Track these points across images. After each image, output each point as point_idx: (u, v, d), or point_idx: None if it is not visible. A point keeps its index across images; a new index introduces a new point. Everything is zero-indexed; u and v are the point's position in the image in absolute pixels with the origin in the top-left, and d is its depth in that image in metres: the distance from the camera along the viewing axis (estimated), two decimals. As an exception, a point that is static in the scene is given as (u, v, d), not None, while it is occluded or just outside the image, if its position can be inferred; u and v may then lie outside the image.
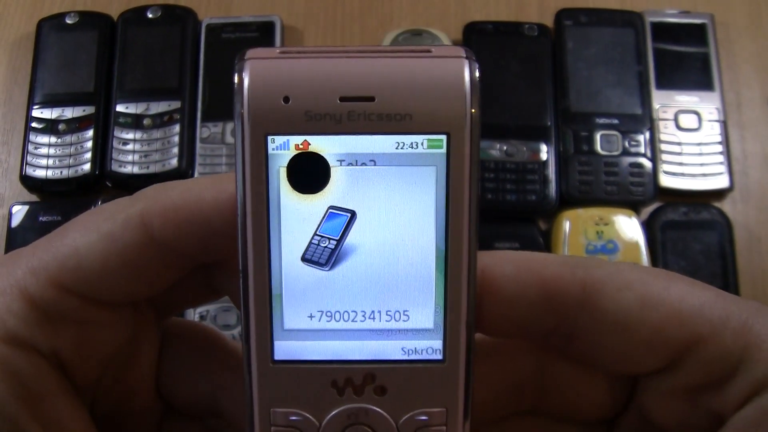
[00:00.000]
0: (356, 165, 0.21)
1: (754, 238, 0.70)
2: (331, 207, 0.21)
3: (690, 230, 0.67)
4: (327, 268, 0.21)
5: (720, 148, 0.70)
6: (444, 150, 0.20)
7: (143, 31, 0.74)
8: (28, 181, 0.70)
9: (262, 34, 0.74)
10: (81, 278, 0.22)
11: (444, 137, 0.20)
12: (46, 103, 0.71)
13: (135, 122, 0.71)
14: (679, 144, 0.70)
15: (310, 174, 0.21)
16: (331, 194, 0.21)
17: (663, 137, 0.70)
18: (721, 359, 0.21)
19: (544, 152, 0.69)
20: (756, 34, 0.76)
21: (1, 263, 0.23)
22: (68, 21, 0.74)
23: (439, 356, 0.21)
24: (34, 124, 0.71)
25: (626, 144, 0.70)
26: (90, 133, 0.70)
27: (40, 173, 0.69)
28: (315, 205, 0.21)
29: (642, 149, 0.70)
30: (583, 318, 0.22)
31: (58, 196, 0.70)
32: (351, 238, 0.21)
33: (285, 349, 0.21)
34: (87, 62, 0.73)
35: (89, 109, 0.71)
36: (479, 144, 0.21)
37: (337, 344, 0.21)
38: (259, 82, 0.20)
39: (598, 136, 0.70)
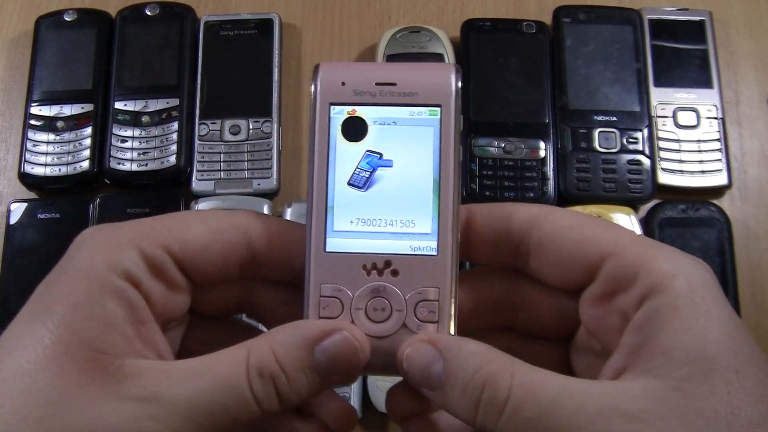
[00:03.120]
0: (384, 125, 0.31)
1: (753, 236, 0.70)
2: (368, 150, 0.31)
3: (688, 227, 0.67)
4: (363, 190, 0.31)
5: (718, 145, 0.70)
6: (438, 116, 0.31)
7: (141, 28, 0.74)
8: (26, 179, 0.70)
9: (260, 31, 0.74)
10: (184, 249, 0.30)
11: (438, 108, 0.31)
12: (45, 101, 0.71)
13: (133, 120, 0.71)
14: (677, 141, 0.70)
15: (355, 129, 0.31)
16: (368, 142, 0.31)
17: (661, 134, 0.70)
18: (622, 269, 0.28)
19: (543, 149, 0.69)
20: (754, 32, 0.76)
21: (121, 226, 0.30)
22: (66, 18, 0.74)
23: (435, 252, 0.31)
24: (32, 122, 0.71)
25: (624, 141, 0.70)
26: (88, 130, 0.70)
27: (38, 171, 0.69)
28: (357, 149, 0.31)
29: (640, 146, 0.70)
30: (532, 236, 0.31)
31: (56, 193, 0.70)
32: (379, 171, 0.31)
33: (333, 243, 0.31)
34: (85, 60, 0.73)
35: (88, 107, 0.71)
36: (461, 113, 0.32)
37: (367, 241, 0.31)
38: (327, 74, 0.32)
39: (596, 134, 0.70)
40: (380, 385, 0.59)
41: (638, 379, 0.26)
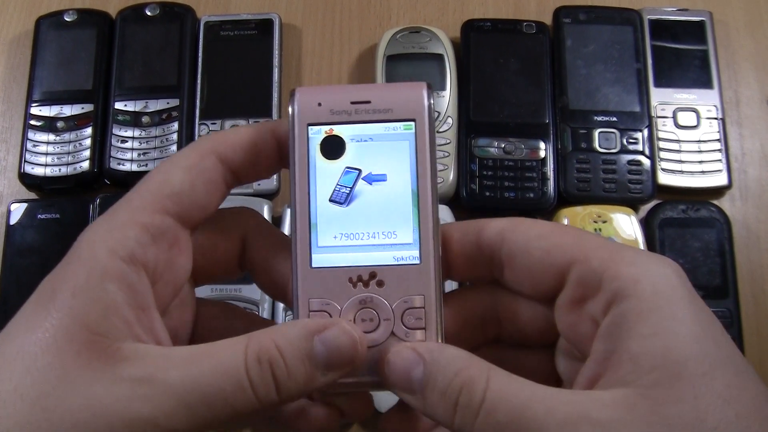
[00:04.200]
0: (361, 141, 0.32)
1: (753, 236, 0.70)
2: (347, 167, 0.32)
3: (688, 228, 0.67)
4: (345, 206, 0.32)
5: (718, 145, 0.70)
6: (413, 130, 0.32)
7: (142, 28, 0.74)
8: (26, 179, 0.70)
9: (260, 31, 0.74)
10: (175, 200, 0.31)
11: (413, 123, 0.32)
12: (45, 101, 0.71)
13: (134, 120, 0.71)
14: (677, 142, 0.70)
15: (333, 147, 0.32)
16: (346, 159, 0.32)
17: (661, 135, 0.70)
18: (588, 275, 0.29)
19: (543, 150, 0.69)
20: (755, 32, 0.76)
21: (115, 210, 0.30)
22: (67, 19, 0.74)
23: (417, 260, 0.31)
24: (32, 122, 0.71)
25: (624, 142, 0.70)
26: (89, 130, 0.70)
27: (38, 171, 0.69)
28: (336, 166, 0.32)
29: (640, 147, 0.70)
30: (503, 248, 0.32)
31: (56, 193, 0.70)
32: (359, 186, 0.32)
33: (319, 259, 0.32)
34: (85, 60, 0.73)
35: (88, 107, 0.71)
36: (434, 127, 0.33)
37: (352, 255, 0.32)
38: (304, 96, 0.33)
39: (596, 134, 0.70)
40: (380, 386, 0.59)
41: (609, 388, 0.27)
